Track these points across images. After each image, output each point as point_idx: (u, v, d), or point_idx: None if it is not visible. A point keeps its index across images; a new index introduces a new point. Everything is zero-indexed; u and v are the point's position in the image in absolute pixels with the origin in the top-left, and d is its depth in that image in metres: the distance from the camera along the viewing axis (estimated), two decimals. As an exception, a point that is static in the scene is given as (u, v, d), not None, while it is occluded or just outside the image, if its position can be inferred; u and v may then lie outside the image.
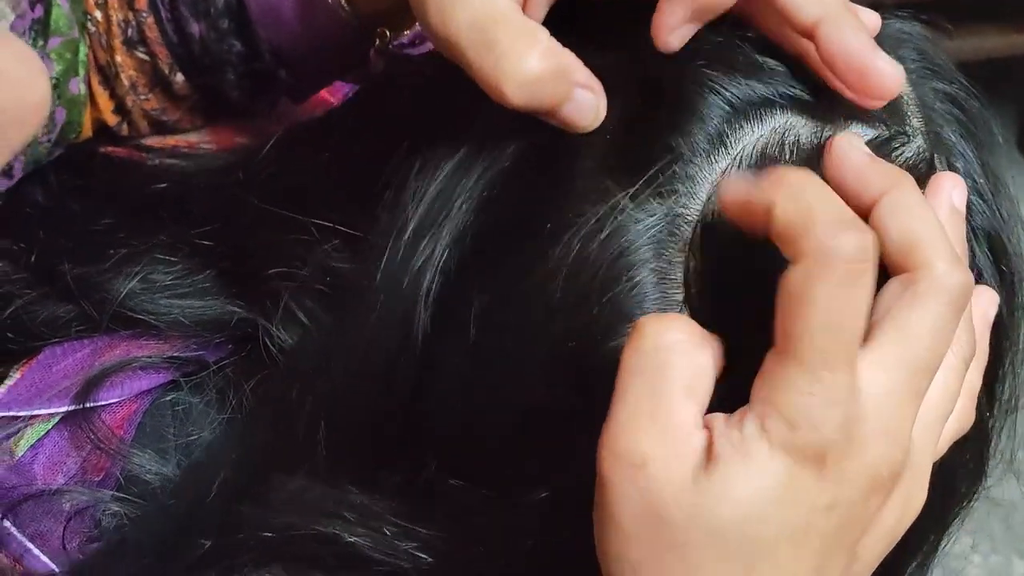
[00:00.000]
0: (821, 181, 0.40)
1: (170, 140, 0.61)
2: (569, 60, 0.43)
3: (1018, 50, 1.69)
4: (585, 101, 0.43)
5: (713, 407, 0.40)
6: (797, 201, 0.39)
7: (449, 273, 0.45)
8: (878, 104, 0.44)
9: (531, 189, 0.44)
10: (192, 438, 0.50)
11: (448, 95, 0.47)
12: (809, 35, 0.43)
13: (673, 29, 0.43)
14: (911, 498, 0.42)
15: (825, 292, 0.38)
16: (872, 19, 0.46)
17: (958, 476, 0.50)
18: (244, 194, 0.50)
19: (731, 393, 0.40)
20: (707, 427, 0.39)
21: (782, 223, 0.39)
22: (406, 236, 0.45)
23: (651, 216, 0.42)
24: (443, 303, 0.45)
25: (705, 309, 0.42)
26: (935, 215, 0.41)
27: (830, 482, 0.39)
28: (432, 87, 0.49)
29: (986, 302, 0.47)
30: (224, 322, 0.50)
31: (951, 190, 0.45)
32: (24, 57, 0.37)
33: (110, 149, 0.59)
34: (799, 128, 0.44)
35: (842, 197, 0.40)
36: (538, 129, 0.44)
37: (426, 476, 0.45)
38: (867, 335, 0.40)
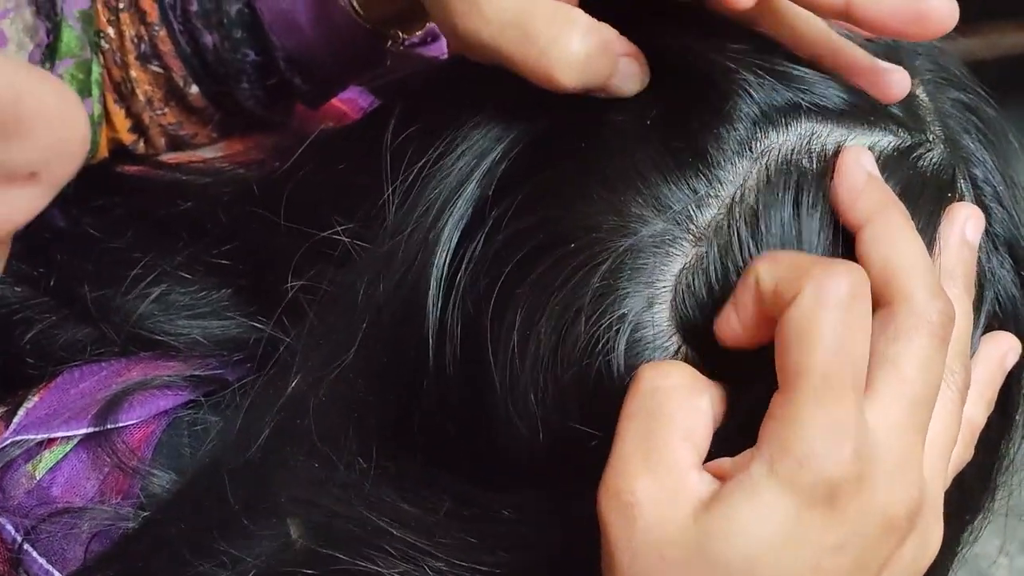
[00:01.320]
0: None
1: (184, 156, 0.61)
2: (608, 33, 0.43)
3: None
4: (630, 70, 0.43)
5: (712, 454, 0.40)
6: (779, 260, 0.40)
7: (462, 279, 0.45)
8: (898, 96, 0.44)
9: (554, 194, 0.44)
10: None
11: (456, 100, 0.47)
12: (843, 12, 0.42)
13: None
14: (928, 535, 0.42)
15: (828, 322, 0.38)
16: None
17: (965, 504, 0.49)
18: (260, 210, 0.50)
19: (732, 440, 0.40)
20: (711, 471, 0.39)
21: (772, 281, 0.39)
22: (414, 239, 0.45)
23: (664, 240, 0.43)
24: (461, 316, 0.45)
25: (707, 355, 0.42)
26: (918, 245, 0.42)
27: (840, 523, 0.38)
28: (442, 94, 0.49)
29: (1006, 347, 0.47)
30: (243, 340, 0.50)
31: (964, 221, 0.45)
32: (63, 93, 0.38)
33: (126, 168, 0.59)
34: (824, 135, 0.44)
35: (838, 212, 0.42)
36: (560, 119, 0.45)
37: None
38: None
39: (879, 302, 0.41)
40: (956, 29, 0.46)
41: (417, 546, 0.45)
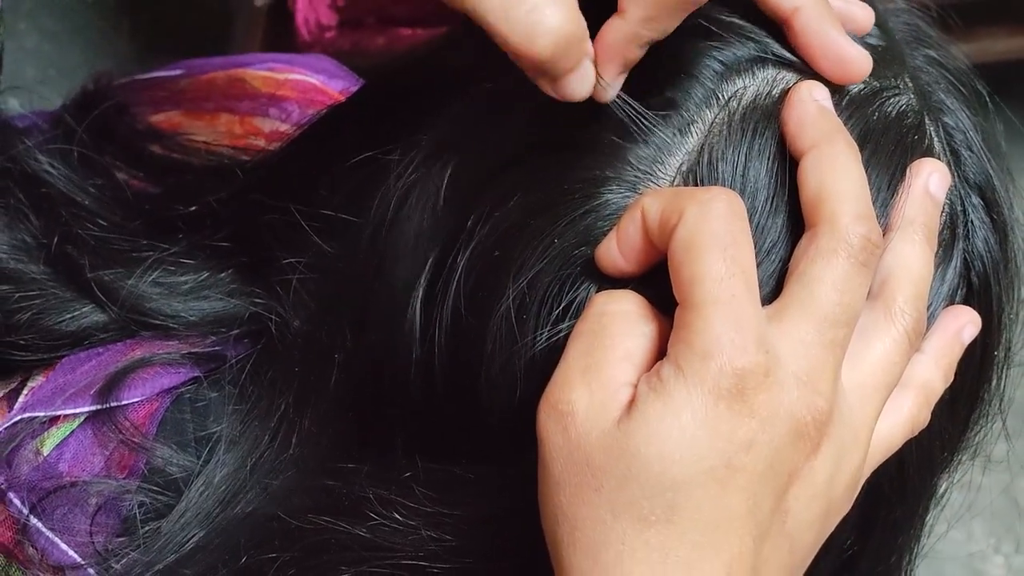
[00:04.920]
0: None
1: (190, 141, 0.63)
2: (585, 29, 0.43)
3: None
4: (589, 73, 0.44)
5: None
6: (662, 192, 0.43)
7: (441, 242, 0.46)
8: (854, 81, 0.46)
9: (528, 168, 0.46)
10: (211, 431, 0.51)
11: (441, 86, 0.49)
12: (786, 23, 0.45)
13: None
14: (844, 455, 0.42)
15: (713, 231, 0.40)
16: (864, 14, 0.48)
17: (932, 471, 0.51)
18: (257, 192, 0.52)
19: None
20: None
21: (656, 209, 0.42)
22: (388, 217, 0.47)
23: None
24: (438, 280, 0.46)
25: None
26: (856, 173, 0.43)
27: (748, 416, 0.40)
28: (429, 81, 0.51)
29: (965, 320, 0.48)
30: (239, 316, 0.51)
31: (928, 175, 0.46)
32: None
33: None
34: (789, 79, 0.45)
35: (787, 144, 0.43)
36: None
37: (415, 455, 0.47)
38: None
39: (809, 224, 0.42)
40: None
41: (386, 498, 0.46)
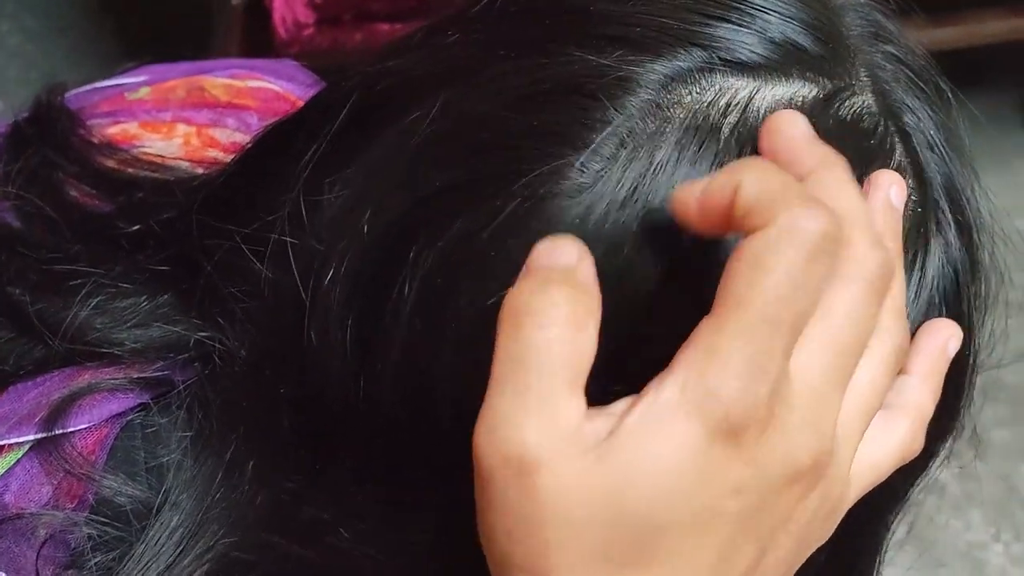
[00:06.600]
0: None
1: (144, 155, 0.61)
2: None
3: (1016, 34, 1.68)
4: None
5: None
6: (769, 178, 0.38)
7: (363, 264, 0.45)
8: None
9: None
10: (161, 459, 0.50)
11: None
12: None
13: None
14: (831, 489, 0.41)
15: (787, 260, 0.37)
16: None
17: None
18: (200, 212, 0.50)
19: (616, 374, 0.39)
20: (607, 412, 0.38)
21: (753, 196, 0.37)
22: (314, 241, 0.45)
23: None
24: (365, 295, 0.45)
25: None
26: (859, 196, 0.41)
27: (742, 462, 0.37)
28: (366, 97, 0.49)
29: (947, 334, 0.46)
30: (185, 342, 0.50)
31: (888, 187, 0.44)
32: None
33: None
34: (738, 88, 0.43)
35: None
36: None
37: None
38: None
39: None
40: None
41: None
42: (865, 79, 0.47)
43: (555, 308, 0.37)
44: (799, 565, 0.42)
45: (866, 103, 0.46)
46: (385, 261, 0.44)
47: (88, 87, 0.71)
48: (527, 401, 0.37)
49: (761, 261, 0.37)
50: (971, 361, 0.50)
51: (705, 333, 0.37)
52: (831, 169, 0.41)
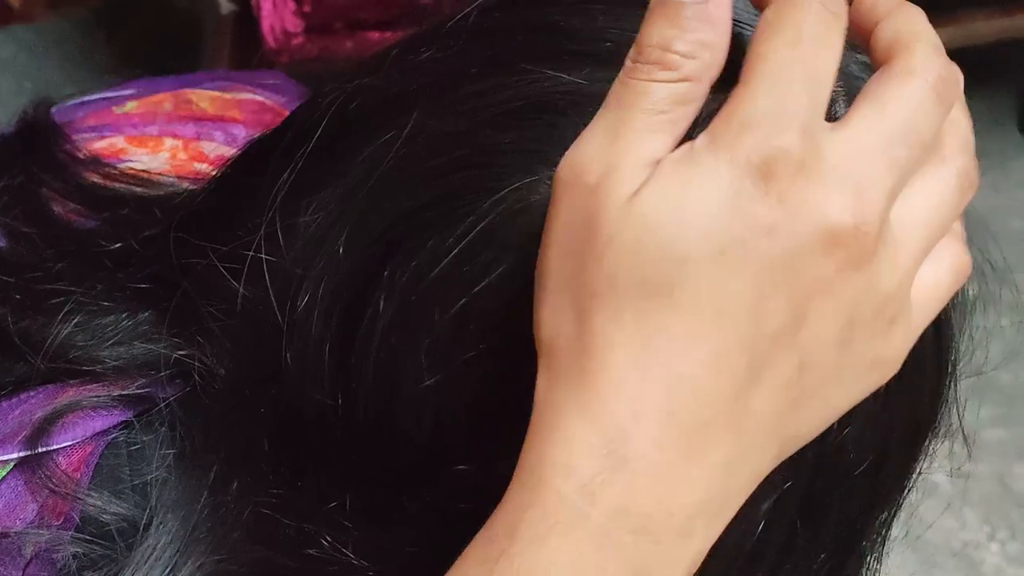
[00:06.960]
0: None
1: (130, 170, 0.61)
2: None
3: (1008, 34, 1.68)
4: None
5: None
6: None
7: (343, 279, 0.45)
8: None
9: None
10: (146, 477, 0.50)
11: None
12: None
13: None
14: (878, 285, 0.39)
15: (800, 18, 0.38)
16: None
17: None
18: (180, 230, 0.50)
19: None
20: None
21: None
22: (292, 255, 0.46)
23: None
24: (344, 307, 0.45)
25: None
26: (930, 28, 0.40)
27: (775, 199, 0.37)
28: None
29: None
30: (166, 360, 0.50)
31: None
32: None
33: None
34: (709, 103, 0.43)
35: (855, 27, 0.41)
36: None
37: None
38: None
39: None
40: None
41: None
42: (840, 89, 0.47)
43: (668, 56, 0.39)
44: (846, 370, 0.40)
45: (836, 112, 0.46)
46: (361, 282, 0.45)
47: (75, 101, 0.71)
48: (616, 129, 0.39)
49: (776, 19, 0.38)
50: (951, 369, 0.50)
51: (733, 92, 0.38)
52: (904, 9, 0.41)
